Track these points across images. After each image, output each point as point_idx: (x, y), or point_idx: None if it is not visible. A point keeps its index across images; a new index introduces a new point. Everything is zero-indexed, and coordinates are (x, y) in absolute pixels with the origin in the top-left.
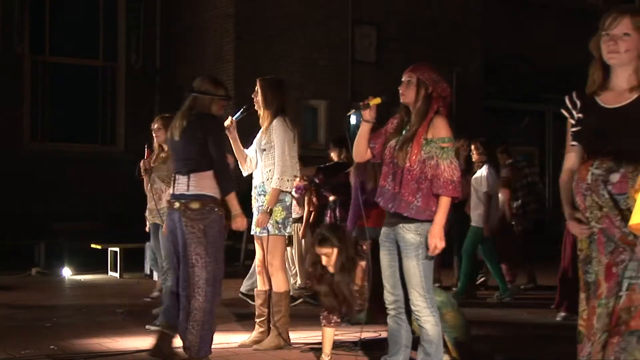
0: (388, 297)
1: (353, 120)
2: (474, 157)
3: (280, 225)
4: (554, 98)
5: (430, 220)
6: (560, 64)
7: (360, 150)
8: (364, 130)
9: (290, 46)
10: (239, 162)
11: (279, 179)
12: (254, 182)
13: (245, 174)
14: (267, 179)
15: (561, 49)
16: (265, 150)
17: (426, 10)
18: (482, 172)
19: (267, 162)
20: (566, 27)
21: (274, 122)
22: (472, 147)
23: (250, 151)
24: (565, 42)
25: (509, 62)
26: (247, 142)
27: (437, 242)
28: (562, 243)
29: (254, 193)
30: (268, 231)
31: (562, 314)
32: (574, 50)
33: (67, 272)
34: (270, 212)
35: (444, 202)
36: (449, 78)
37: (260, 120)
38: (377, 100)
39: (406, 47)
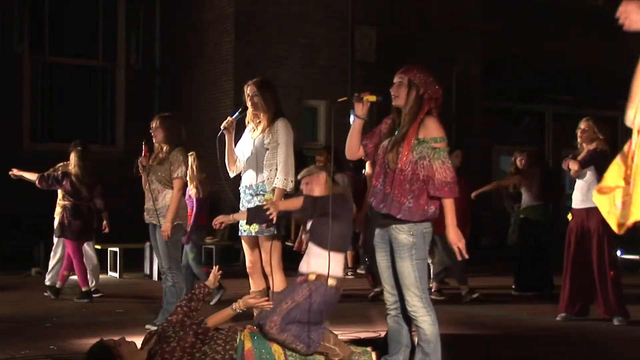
0: (388, 297)
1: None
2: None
3: (280, 225)
4: (553, 98)
5: (423, 221)
6: (560, 64)
7: (353, 147)
8: (356, 126)
9: (290, 46)
10: (227, 164)
11: (284, 179)
12: (246, 182)
13: (232, 175)
14: (268, 178)
15: (561, 49)
16: (268, 149)
17: (426, 10)
18: None
19: (270, 161)
20: (566, 27)
21: (279, 122)
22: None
23: (238, 152)
24: (565, 42)
25: (509, 62)
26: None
27: (459, 244)
28: (565, 242)
29: (245, 193)
30: (271, 231)
31: (562, 314)
32: (574, 50)
33: None
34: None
35: (448, 205)
36: (449, 78)
37: (253, 121)
38: (372, 98)
39: (406, 47)
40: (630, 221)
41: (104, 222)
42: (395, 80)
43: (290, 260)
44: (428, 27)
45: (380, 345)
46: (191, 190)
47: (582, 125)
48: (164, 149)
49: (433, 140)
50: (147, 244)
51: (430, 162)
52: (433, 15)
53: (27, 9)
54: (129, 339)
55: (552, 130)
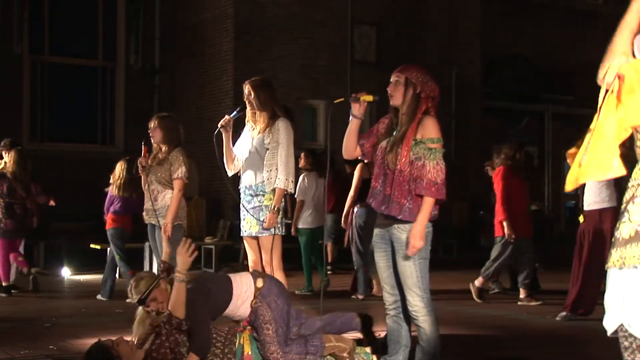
0: (388, 297)
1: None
2: None
3: (280, 225)
4: (553, 98)
5: None
6: (560, 64)
7: (350, 147)
8: (353, 126)
9: (290, 46)
10: (225, 163)
11: (285, 179)
12: (245, 183)
13: (230, 174)
14: (268, 179)
15: (561, 49)
16: (268, 149)
17: (426, 10)
18: None
19: (269, 161)
20: (566, 27)
21: (280, 122)
22: None
23: (237, 151)
24: (565, 42)
25: (508, 62)
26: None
27: (416, 242)
28: (576, 244)
29: (244, 194)
30: (272, 231)
31: (563, 313)
32: (574, 50)
33: (66, 272)
34: (278, 212)
35: (427, 203)
36: (449, 78)
37: (252, 120)
38: (369, 98)
39: (406, 47)
40: (581, 181)
41: (51, 202)
42: (392, 79)
43: (291, 261)
44: (428, 27)
45: (379, 346)
46: (113, 191)
47: None
48: (163, 149)
49: (430, 140)
50: (147, 244)
51: (424, 163)
52: (433, 15)
53: (26, 9)
54: (128, 339)
55: (551, 130)
